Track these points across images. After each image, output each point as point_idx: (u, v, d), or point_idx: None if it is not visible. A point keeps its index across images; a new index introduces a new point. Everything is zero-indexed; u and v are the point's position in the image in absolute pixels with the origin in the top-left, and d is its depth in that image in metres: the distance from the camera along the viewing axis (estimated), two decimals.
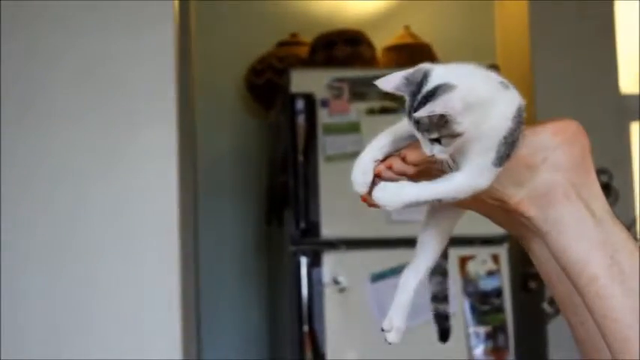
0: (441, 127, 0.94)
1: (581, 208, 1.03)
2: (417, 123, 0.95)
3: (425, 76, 0.95)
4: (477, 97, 0.95)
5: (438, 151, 0.96)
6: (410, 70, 0.97)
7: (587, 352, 1.11)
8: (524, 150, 1.02)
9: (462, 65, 0.97)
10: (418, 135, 0.96)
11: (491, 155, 0.97)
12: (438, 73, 0.95)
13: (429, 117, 0.93)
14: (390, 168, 1.03)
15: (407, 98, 0.96)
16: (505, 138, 0.97)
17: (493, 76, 0.98)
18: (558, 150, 1.05)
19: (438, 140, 0.95)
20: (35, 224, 2.89)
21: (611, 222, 1.03)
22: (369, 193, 1.03)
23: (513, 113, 0.97)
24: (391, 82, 0.98)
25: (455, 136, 0.94)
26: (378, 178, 1.03)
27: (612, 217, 1.04)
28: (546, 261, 1.12)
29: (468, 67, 0.97)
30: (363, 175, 1.03)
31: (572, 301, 1.11)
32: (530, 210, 1.05)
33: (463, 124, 0.94)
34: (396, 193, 0.99)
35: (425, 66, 0.97)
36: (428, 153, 0.96)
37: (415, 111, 0.94)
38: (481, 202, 1.07)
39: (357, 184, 1.03)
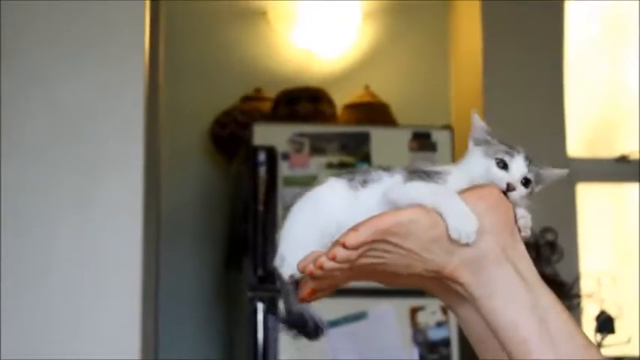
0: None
1: (510, 270, 1.06)
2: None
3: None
4: None
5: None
6: None
7: None
8: None
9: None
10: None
11: None
12: None
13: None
14: (333, 259, 1.06)
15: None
16: None
17: None
18: (484, 215, 1.08)
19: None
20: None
21: (538, 284, 1.07)
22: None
23: None
24: None
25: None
26: (312, 275, 1.08)
27: (538, 279, 1.07)
28: (474, 327, 1.17)
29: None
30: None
31: None
32: (463, 276, 1.07)
33: None
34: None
35: None
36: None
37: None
38: (418, 276, 1.10)
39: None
